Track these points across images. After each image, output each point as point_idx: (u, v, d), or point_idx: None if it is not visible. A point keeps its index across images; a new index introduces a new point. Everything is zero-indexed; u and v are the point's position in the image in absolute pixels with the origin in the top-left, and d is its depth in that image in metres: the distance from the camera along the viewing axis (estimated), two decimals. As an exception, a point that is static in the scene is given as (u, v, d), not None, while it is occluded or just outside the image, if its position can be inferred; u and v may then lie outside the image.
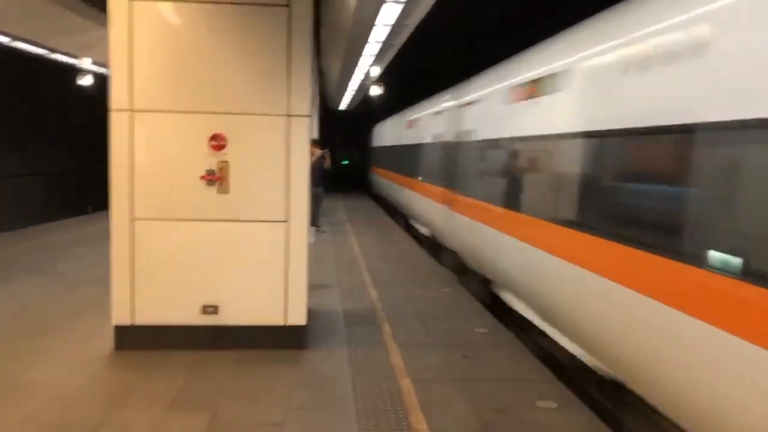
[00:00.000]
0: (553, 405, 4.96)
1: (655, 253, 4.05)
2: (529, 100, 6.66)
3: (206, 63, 5.79)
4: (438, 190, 11.29)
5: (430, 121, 12.91)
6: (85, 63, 15.39)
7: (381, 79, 17.00)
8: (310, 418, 4.61)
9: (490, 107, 8.22)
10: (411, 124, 15.92)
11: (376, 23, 8.85)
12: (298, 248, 5.96)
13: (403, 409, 4.78)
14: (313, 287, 8.17)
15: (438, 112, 12.01)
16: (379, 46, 10.47)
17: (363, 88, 18.25)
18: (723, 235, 3.53)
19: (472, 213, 8.79)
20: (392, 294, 8.47)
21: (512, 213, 6.93)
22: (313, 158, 13.22)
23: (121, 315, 5.86)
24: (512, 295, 7.24)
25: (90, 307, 7.20)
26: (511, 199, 7.05)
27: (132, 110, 5.71)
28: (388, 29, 8.99)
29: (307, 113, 5.87)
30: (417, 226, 14.77)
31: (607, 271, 4.64)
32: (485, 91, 8.57)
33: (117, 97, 5.69)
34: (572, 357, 5.69)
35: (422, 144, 13.65)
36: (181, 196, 5.84)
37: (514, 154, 7.14)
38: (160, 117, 5.79)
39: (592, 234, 4.95)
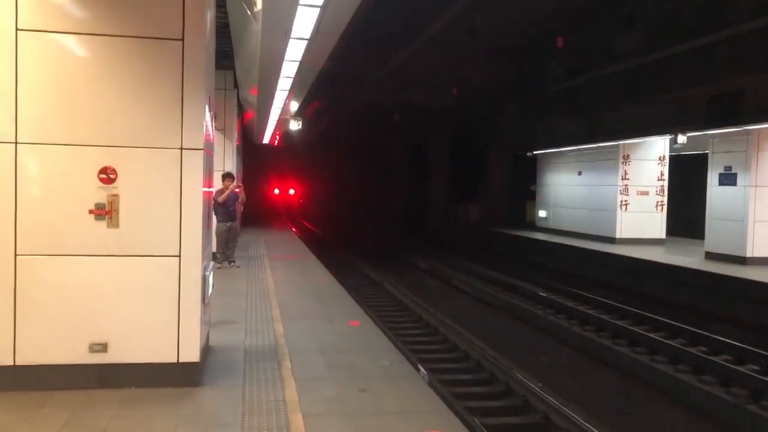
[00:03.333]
0: (440, 435, 5.02)
1: None
2: None
3: (97, 96, 5.70)
4: None
5: None
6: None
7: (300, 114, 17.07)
8: (191, 457, 4.50)
9: None
10: None
11: (285, 58, 8.93)
12: (192, 283, 5.88)
13: (289, 445, 4.74)
14: (216, 323, 8.07)
15: None
16: (290, 81, 10.54)
17: (283, 122, 18.27)
18: None
19: None
20: (298, 329, 8.41)
21: None
22: (227, 193, 13.15)
23: (0, 355, 5.60)
24: None
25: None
26: None
27: (16, 142, 5.57)
28: (295, 65, 9.08)
29: (200, 147, 5.85)
30: None
31: None
32: None
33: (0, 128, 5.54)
34: None
35: None
36: (68, 231, 5.68)
37: None
38: (48, 150, 5.64)
39: None
